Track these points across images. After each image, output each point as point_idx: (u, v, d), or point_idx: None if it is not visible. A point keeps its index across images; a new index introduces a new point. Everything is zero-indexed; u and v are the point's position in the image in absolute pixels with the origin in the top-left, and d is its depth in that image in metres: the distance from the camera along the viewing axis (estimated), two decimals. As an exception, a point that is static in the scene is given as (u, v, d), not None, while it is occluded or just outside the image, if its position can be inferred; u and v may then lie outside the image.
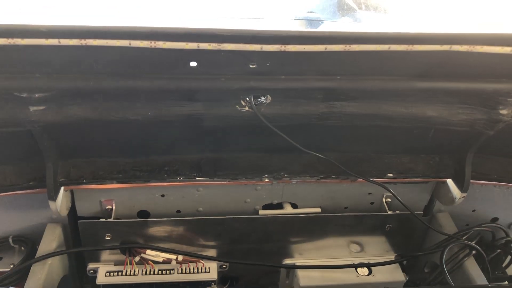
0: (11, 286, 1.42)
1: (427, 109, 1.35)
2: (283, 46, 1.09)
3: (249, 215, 1.66)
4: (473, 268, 1.55)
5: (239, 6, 2.63)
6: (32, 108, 1.21)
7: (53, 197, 1.39)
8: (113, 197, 1.58)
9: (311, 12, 2.74)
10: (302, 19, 2.58)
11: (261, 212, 1.67)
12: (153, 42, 1.05)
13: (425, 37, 1.11)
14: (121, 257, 1.61)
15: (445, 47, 1.13)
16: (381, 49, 1.12)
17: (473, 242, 1.61)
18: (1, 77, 1.13)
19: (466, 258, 1.58)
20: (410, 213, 1.59)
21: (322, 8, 2.88)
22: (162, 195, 1.60)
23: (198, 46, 1.07)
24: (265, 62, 1.16)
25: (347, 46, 1.10)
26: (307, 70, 1.21)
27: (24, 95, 1.17)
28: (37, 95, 1.18)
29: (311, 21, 2.60)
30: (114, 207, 1.60)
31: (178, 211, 1.65)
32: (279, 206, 1.69)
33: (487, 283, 1.51)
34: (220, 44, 1.07)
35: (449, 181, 1.59)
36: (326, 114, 1.33)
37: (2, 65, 1.10)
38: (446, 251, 1.53)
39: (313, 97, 1.29)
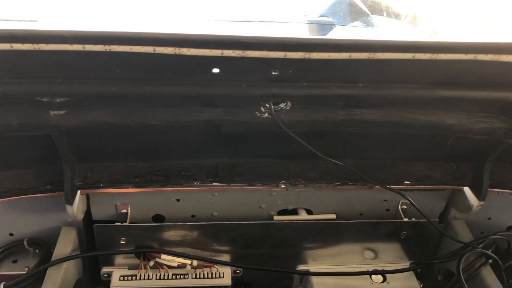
0: (27, 289, 1.42)
1: (447, 117, 1.34)
2: (307, 53, 1.08)
3: (263, 220, 1.65)
4: (490, 277, 1.54)
5: (252, 10, 2.63)
6: (52, 113, 1.21)
7: (70, 201, 1.39)
8: (129, 201, 1.58)
9: (323, 16, 2.74)
10: (314, 23, 2.58)
11: (276, 217, 1.67)
12: (177, 48, 1.04)
13: (450, 46, 1.10)
14: (136, 261, 1.61)
15: (470, 56, 1.12)
16: (406, 57, 1.11)
17: (489, 250, 1.60)
18: (24, 82, 1.13)
19: (482, 267, 1.57)
20: (426, 220, 1.58)
21: (333, 12, 2.88)
22: (178, 200, 1.59)
23: (222, 53, 1.07)
24: (288, 69, 1.15)
25: (372, 54, 1.09)
26: (329, 78, 1.20)
27: (46, 99, 1.17)
28: (58, 100, 1.18)
29: (323, 25, 2.59)
30: (129, 211, 1.59)
31: (193, 216, 1.65)
32: (294, 212, 1.68)
33: None
34: (244, 51, 1.06)
35: (466, 189, 1.58)
36: (346, 121, 1.32)
37: (25, 70, 1.10)
38: (463, 260, 1.52)
39: (333, 104, 1.29)
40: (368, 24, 2.71)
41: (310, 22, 2.47)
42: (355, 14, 2.80)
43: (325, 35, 2.48)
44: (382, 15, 2.83)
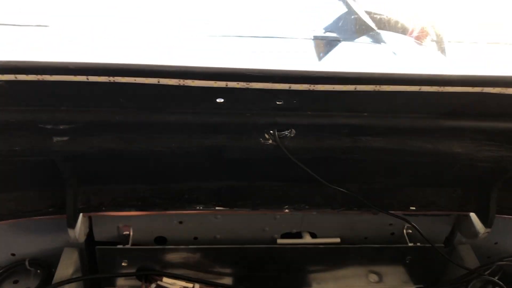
0: (28, 312, 1.41)
1: (453, 146, 1.33)
2: (312, 85, 1.07)
3: (267, 243, 1.64)
4: None
5: (257, 25, 2.61)
6: (55, 139, 1.20)
7: (73, 225, 1.39)
8: (131, 223, 1.57)
9: (328, 31, 2.72)
10: (320, 39, 2.56)
11: (280, 241, 1.65)
12: (182, 80, 1.04)
13: (457, 79, 1.09)
14: (137, 282, 1.60)
15: (477, 89, 1.11)
16: (412, 89, 1.10)
17: (496, 277, 1.58)
18: (27, 110, 1.13)
19: (489, 295, 1.55)
20: (431, 245, 1.56)
21: (339, 27, 2.86)
22: (180, 222, 1.58)
23: (227, 85, 1.06)
24: (292, 99, 1.14)
25: (377, 86, 1.08)
26: (334, 107, 1.19)
27: (49, 126, 1.16)
28: (61, 127, 1.17)
29: (329, 41, 2.58)
30: (131, 233, 1.58)
31: (196, 238, 1.64)
32: (298, 234, 1.67)
33: None
34: (248, 83, 1.05)
35: (472, 215, 1.56)
36: (351, 148, 1.31)
37: (29, 98, 1.10)
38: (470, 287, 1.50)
39: (338, 132, 1.27)
40: (375, 39, 2.69)
41: (316, 38, 2.46)
42: (361, 29, 2.78)
43: (330, 51, 2.46)
44: (388, 30, 2.82)
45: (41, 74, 1.00)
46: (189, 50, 2.07)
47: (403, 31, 2.91)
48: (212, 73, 1.03)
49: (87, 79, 1.02)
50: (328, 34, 2.67)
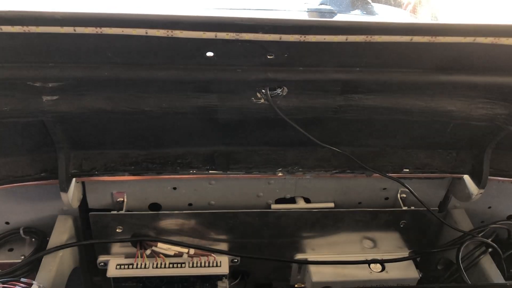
0: (22, 277, 1.41)
1: (446, 103, 1.32)
2: (302, 36, 1.06)
3: (261, 209, 1.64)
4: (489, 266, 1.53)
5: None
6: (45, 98, 1.19)
7: (65, 189, 1.38)
8: (125, 189, 1.57)
9: (323, 4, 2.70)
10: (314, 11, 2.55)
11: (274, 206, 1.65)
12: (170, 31, 1.02)
13: (449, 28, 1.08)
14: (132, 249, 1.60)
15: (469, 39, 1.09)
16: (403, 40, 1.09)
17: (489, 239, 1.59)
18: (15, 66, 1.11)
19: (482, 256, 1.55)
20: (425, 209, 1.56)
21: (334, 0, 2.84)
22: (174, 188, 1.58)
23: (216, 36, 1.05)
24: (283, 52, 1.13)
25: (369, 37, 1.07)
26: (326, 62, 1.18)
27: (38, 84, 1.15)
28: (50, 85, 1.16)
29: (323, 13, 2.56)
30: (125, 200, 1.58)
31: (190, 204, 1.64)
32: (292, 200, 1.67)
33: (504, 281, 1.49)
34: (238, 33, 1.04)
35: (466, 177, 1.56)
36: (344, 107, 1.30)
37: (16, 54, 1.09)
38: (462, 248, 1.51)
39: (330, 90, 1.26)
40: (369, 12, 2.68)
41: (309, 10, 2.45)
42: (356, 1, 2.77)
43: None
44: (383, 3, 2.80)
45: (26, 25, 0.99)
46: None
47: (398, 4, 2.89)
48: (201, 21, 1.02)
49: (74, 30, 1.01)
50: (323, 6, 2.65)
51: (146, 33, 1.02)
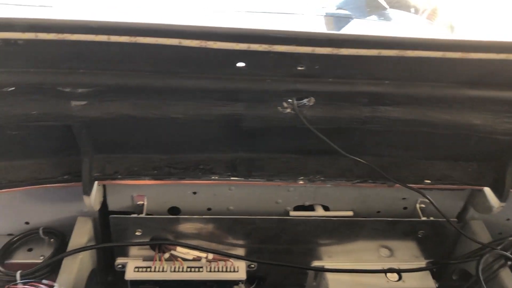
0: (43, 278, 1.42)
1: (472, 117, 1.32)
2: (336, 49, 1.06)
3: (280, 215, 1.64)
4: (509, 279, 1.52)
5: (266, 1, 2.59)
6: (73, 103, 1.20)
7: (88, 192, 1.39)
8: (145, 192, 1.57)
9: (340, 8, 2.70)
10: (331, 16, 2.54)
11: (292, 213, 1.65)
12: (203, 41, 1.02)
13: (482, 45, 1.08)
14: (150, 252, 1.60)
15: (502, 56, 1.09)
16: (436, 55, 1.08)
17: (508, 252, 1.58)
18: (46, 72, 1.12)
19: (501, 269, 1.55)
20: (444, 219, 1.56)
21: (350, 4, 2.84)
22: (194, 192, 1.58)
23: (249, 47, 1.05)
24: (314, 64, 1.13)
25: (402, 51, 1.07)
26: (356, 74, 1.18)
27: (68, 89, 1.16)
28: (79, 90, 1.17)
29: (340, 18, 2.56)
30: (145, 203, 1.58)
31: (209, 209, 1.64)
32: (311, 208, 1.67)
33: None
34: (271, 45, 1.04)
35: (487, 190, 1.56)
36: (369, 118, 1.30)
37: (48, 60, 1.09)
38: (482, 261, 1.51)
39: (357, 101, 1.26)
40: (386, 18, 2.68)
41: (327, 15, 2.44)
42: (372, 7, 2.76)
43: (342, 28, 2.44)
44: (400, 8, 2.79)
45: (62, 32, 0.99)
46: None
47: (415, 10, 2.88)
48: (235, 34, 1.02)
49: (109, 38, 1.01)
50: (340, 11, 2.64)
51: (180, 43, 1.03)
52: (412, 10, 2.76)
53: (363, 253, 1.69)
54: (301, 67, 1.13)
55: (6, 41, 1.01)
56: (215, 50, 1.05)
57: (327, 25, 2.43)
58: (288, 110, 1.28)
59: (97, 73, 1.14)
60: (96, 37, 1.00)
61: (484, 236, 1.67)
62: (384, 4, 2.72)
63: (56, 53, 1.06)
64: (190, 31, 1.01)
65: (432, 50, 1.07)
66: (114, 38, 1.01)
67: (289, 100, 1.26)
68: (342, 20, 2.51)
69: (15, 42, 1.01)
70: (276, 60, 1.10)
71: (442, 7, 2.89)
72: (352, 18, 2.54)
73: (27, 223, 1.61)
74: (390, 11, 2.70)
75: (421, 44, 1.07)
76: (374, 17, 2.71)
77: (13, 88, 1.14)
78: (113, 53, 1.07)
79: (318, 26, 2.34)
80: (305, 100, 1.26)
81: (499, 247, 1.58)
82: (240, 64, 1.12)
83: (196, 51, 1.06)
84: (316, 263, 1.68)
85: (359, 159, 1.40)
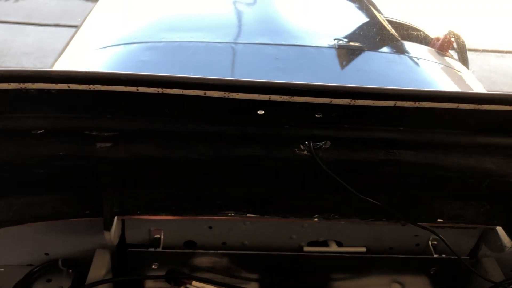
0: (62, 311, 1.45)
1: (485, 161, 1.35)
2: (352, 100, 1.10)
3: (293, 251, 1.66)
4: None
5: (281, 33, 2.64)
6: (99, 145, 1.25)
7: (109, 227, 1.42)
8: (162, 226, 1.61)
9: (352, 40, 2.75)
10: (344, 47, 2.59)
11: (306, 249, 1.68)
12: (227, 93, 1.07)
13: (495, 98, 1.11)
14: (166, 285, 1.63)
15: None
16: (450, 107, 1.12)
17: (520, 291, 1.59)
18: (75, 117, 1.17)
19: (513, 308, 1.56)
20: (456, 257, 1.58)
21: (362, 35, 2.89)
22: (210, 227, 1.62)
23: (269, 98, 1.09)
24: (331, 113, 1.17)
25: (417, 103, 1.11)
26: (372, 121, 1.22)
27: (94, 133, 1.21)
28: (106, 134, 1.22)
29: (352, 50, 2.61)
30: (162, 236, 1.62)
31: (224, 243, 1.67)
32: (324, 243, 1.69)
33: None
34: (291, 97, 1.09)
35: (499, 229, 1.58)
36: (384, 161, 1.34)
37: (78, 106, 1.14)
38: None
39: (373, 146, 1.30)
40: (398, 49, 2.72)
41: (340, 47, 2.49)
42: (384, 39, 2.80)
43: (354, 60, 2.49)
44: (411, 40, 2.83)
45: (93, 84, 1.04)
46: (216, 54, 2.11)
47: (426, 41, 2.93)
48: (257, 86, 1.06)
49: (137, 89, 1.06)
50: (352, 43, 2.70)
51: (205, 94, 1.07)
52: (424, 41, 2.80)
53: None
54: (319, 114, 1.17)
55: (40, 90, 1.06)
56: (238, 100, 1.10)
57: (340, 57, 2.48)
58: (305, 153, 1.31)
59: (123, 119, 1.19)
60: (125, 88, 1.05)
61: (497, 274, 1.68)
62: (396, 35, 2.77)
63: (86, 100, 1.11)
64: (214, 84, 1.06)
65: (447, 102, 1.11)
66: (142, 89, 1.06)
67: (306, 142, 1.30)
68: (355, 53, 2.56)
69: (48, 91, 1.06)
70: (295, 109, 1.14)
71: (455, 37, 2.92)
72: (364, 50, 2.59)
73: (46, 254, 1.65)
74: (402, 43, 2.74)
75: (436, 96, 1.11)
76: (386, 49, 2.76)
77: (42, 131, 1.19)
78: (140, 102, 1.12)
79: (330, 58, 2.39)
80: (321, 143, 1.30)
81: (511, 287, 1.59)
82: (260, 112, 1.16)
83: (219, 100, 1.10)
84: None
85: (372, 200, 1.42)
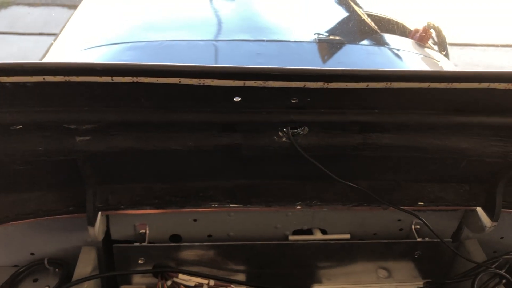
0: (49, 309, 1.45)
1: (461, 142, 1.38)
2: (326, 83, 1.12)
3: (279, 240, 1.68)
4: None
5: (266, 29, 2.67)
6: (78, 139, 1.25)
7: (92, 223, 1.43)
8: (147, 221, 1.61)
9: (332, 34, 2.79)
10: (324, 41, 2.62)
11: (291, 237, 1.69)
12: (202, 80, 1.08)
13: (465, 75, 1.14)
14: (153, 280, 1.63)
15: (484, 85, 1.15)
16: (421, 86, 1.15)
17: (503, 270, 1.62)
18: (53, 110, 1.17)
19: (496, 287, 1.58)
20: (439, 240, 1.60)
21: (342, 30, 2.93)
22: (195, 220, 1.63)
23: (244, 84, 1.11)
24: (306, 97, 1.19)
25: (388, 83, 1.13)
26: (346, 105, 1.24)
27: (72, 126, 1.21)
28: (84, 127, 1.22)
29: (333, 44, 2.64)
30: (147, 231, 1.62)
31: (209, 235, 1.68)
32: (309, 231, 1.71)
33: None
34: (265, 82, 1.10)
35: (479, 210, 1.61)
36: (362, 145, 1.36)
37: (54, 99, 1.15)
38: (477, 280, 1.54)
39: (349, 129, 1.32)
40: (377, 41, 2.76)
41: (320, 41, 2.52)
42: (364, 32, 2.84)
43: (335, 53, 2.52)
44: (390, 32, 2.88)
45: (68, 75, 1.05)
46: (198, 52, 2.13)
47: (406, 33, 2.97)
48: (231, 72, 1.08)
49: (112, 79, 1.07)
50: (332, 37, 2.73)
51: (180, 81, 1.09)
52: (403, 34, 2.84)
53: (362, 275, 1.73)
54: (294, 99, 1.19)
55: (16, 84, 1.07)
56: (213, 87, 1.11)
57: (321, 51, 2.51)
58: (284, 139, 1.33)
59: (101, 111, 1.19)
60: (100, 78, 1.06)
61: (479, 255, 1.71)
62: (376, 28, 2.81)
63: (62, 93, 1.12)
64: (189, 71, 1.07)
65: (418, 81, 1.14)
66: (117, 79, 1.07)
67: (284, 129, 1.32)
68: (336, 46, 2.59)
69: (23, 84, 1.07)
70: (270, 94, 1.16)
71: (434, 28, 2.97)
72: (345, 44, 2.63)
73: (32, 254, 1.64)
74: (382, 35, 2.78)
75: (407, 76, 1.13)
76: (366, 41, 2.80)
77: (20, 126, 1.20)
78: (116, 92, 1.13)
79: (311, 52, 2.42)
80: (299, 129, 1.32)
81: (493, 266, 1.62)
82: (237, 99, 1.18)
83: (195, 88, 1.12)
84: (316, 286, 1.71)
85: (352, 184, 1.45)
